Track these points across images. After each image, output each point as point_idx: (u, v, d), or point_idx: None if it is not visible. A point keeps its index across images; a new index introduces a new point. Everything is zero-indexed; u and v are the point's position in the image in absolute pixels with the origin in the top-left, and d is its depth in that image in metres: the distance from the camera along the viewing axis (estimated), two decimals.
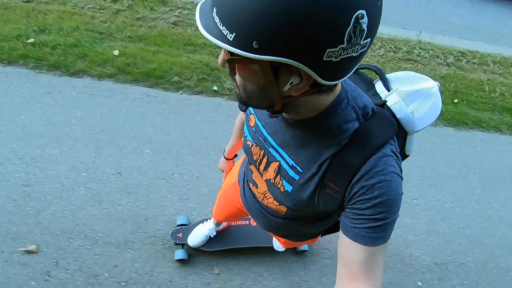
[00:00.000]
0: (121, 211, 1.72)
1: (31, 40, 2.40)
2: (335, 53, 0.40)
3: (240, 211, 1.05)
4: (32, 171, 1.75)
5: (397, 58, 3.21)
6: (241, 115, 0.97)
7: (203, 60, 2.61)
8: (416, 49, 3.36)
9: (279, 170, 0.66)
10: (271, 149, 0.67)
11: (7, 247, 1.50)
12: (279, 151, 0.65)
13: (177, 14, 3.00)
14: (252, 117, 0.71)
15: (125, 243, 1.62)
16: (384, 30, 3.45)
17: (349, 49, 0.40)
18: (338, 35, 0.38)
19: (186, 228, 1.67)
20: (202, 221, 1.65)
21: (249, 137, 0.74)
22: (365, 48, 0.42)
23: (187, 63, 2.54)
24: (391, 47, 3.30)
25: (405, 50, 3.30)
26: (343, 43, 0.39)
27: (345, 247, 0.57)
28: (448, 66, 3.27)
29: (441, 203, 2.08)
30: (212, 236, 1.60)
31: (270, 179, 0.69)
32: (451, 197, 2.13)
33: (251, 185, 0.84)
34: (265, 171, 0.70)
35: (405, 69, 3.02)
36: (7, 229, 1.55)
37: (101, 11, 2.84)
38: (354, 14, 0.37)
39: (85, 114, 2.08)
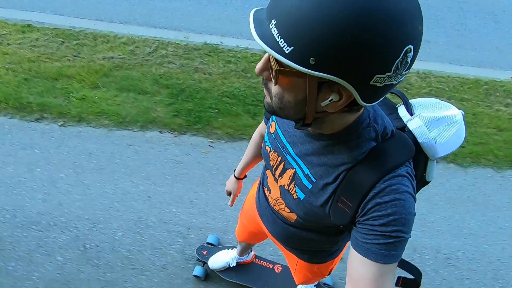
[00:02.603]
0: None
1: None
2: (381, 79, 0.44)
3: (260, 229, 1.04)
4: None
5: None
6: (260, 129, 0.99)
7: None
8: None
9: (294, 178, 0.68)
10: (288, 157, 0.69)
11: None
12: (296, 159, 0.67)
13: None
14: (273, 124, 0.75)
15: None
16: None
17: (392, 78, 0.44)
18: (388, 64, 0.42)
19: (212, 248, 1.67)
20: (228, 248, 1.64)
21: (268, 143, 0.77)
22: (403, 78, 0.47)
23: None
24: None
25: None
26: (390, 72, 0.43)
27: (355, 264, 0.57)
28: None
29: None
30: (232, 266, 1.58)
31: (285, 185, 0.72)
32: None
33: (265, 189, 0.87)
34: (280, 177, 0.73)
35: None
36: None
37: None
38: (405, 47, 0.42)
39: None
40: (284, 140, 0.70)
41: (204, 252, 1.64)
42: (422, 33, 0.44)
